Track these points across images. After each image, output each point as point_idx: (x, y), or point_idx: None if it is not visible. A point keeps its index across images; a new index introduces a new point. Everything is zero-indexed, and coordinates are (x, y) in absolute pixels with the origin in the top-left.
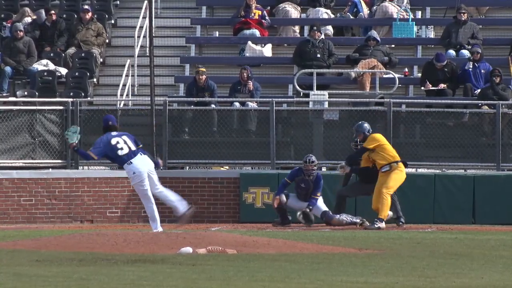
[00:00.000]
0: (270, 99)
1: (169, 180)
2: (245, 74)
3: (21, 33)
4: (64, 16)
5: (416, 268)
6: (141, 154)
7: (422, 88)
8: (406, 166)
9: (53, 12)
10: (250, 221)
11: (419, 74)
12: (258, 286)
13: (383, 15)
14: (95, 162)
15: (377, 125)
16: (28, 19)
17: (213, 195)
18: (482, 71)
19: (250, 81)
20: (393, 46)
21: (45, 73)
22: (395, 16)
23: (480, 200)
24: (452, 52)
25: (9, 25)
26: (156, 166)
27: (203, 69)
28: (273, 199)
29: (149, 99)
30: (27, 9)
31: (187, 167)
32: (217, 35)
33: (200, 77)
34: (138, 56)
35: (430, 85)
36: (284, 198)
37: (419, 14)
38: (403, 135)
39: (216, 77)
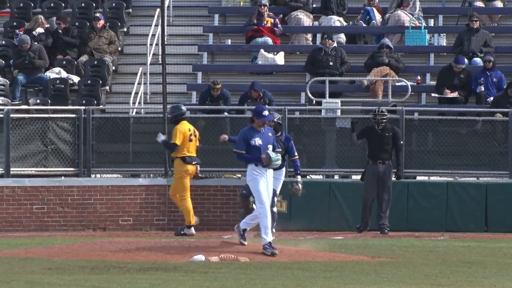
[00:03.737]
0: (283, 107)
1: None
2: (254, 95)
3: (27, 46)
4: (77, 24)
5: (429, 276)
6: None
7: (435, 95)
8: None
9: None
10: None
11: (432, 82)
12: None
13: (396, 23)
14: (107, 170)
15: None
16: (40, 29)
17: (226, 203)
18: (494, 79)
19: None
20: (405, 53)
21: (58, 81)
22: (407, 24)
23: (493, 208)
24: (464, 59)
25: (21, 33)
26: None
27: (219, 86)
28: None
29: (162, 107)
30: (41, 17)
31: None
32: (230, 43)
33: (215, 93)
34: (150, 64)
35: (449, 91)
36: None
37: (431, 22)
38: (415, 143)
39: (229, 85)
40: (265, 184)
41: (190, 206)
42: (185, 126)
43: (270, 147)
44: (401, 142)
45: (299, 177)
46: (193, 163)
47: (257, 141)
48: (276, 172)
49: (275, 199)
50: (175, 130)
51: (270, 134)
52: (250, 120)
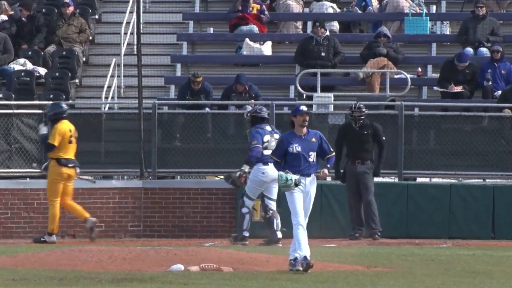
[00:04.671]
0: (270, 102)
1: (159, 191)
2: (239, 89)
3: None
4: (44, 10)
5: None
6: None
7: (437, 89)
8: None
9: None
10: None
11: (434, 75)
12: None
13: (394, 10)
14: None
15: (387, 130)
16: (4, 17)
17: (207, 207)
18: (503, 71)
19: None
20: (404, 43)
21: (23, 74)
22: (407, 10)
23: (501, 213)
24: (469, 50)
25: None
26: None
27: (200, 79)
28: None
29: (137, 102)
30: (4, 2)
31: (179, 177)
32: (212, 32)
33: (196, 87)
34: (124, 55)
35: (454, 86)
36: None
37: (433, 9)
38: (416, 142)
39: (210, 78)
40: (302, 195)
41: (57, 213)
42: (65, 126)
43: (312, 154)
44: (384, 138)
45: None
46: (69, 165)
47: (296, 147)
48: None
49: (270, 203)
50: (54, 129)
51: (314, 139)
52: (291, 124)
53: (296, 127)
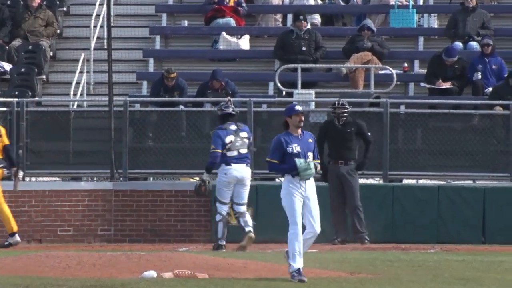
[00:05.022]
0: (248, 99)
1: (130, 193)
2: (216, 85)
3: None
4: (8, 2)
5: None
6: None
7: (425, 85)
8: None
9: None
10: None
11: (421, 70)
12: None
13: (379, 2)
14: (44, 172)
15: (372, 129)
16: None
17: (181, 210)
18: (494, 66)
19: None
20: (390, 37)
21: None
22: (392, 2)
23: (492, 216)
24: (459, 44)
25: None
26: None
27: (174, 75)
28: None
29: (107, 99)
30: None
31: (151, 178)
32: (186, 25)
33: (170, 83)
34: (94, 49)
35: (442, 83)
36: None
37: (420, 1)
38: (402, 141)
39: (185, 74)
40: (301, 200)
41: (5, 211)
42: None
43: (311, 154)
44: (369, 134)
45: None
46: None
47: (295, 147)
48: (245, 179)
49: (237, 207)
50: None
51: (310, 140)
52: (284, 125)
53: (291, 128)
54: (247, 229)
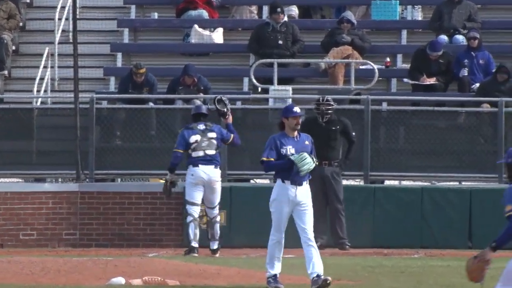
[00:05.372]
0: (222, 96)
1: (97, 195)
2: (187, 81)
3: None
4: None
5: None
6: None
7: (408, 81)
8: None
9: None
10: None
11: (404, 65)
12: None
13: None
14: (5, 173)
15: (353, 127)
16: None
17: (151, 213)
18: (481, 61)
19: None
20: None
21: None
22: None
23: (478, 219)
24: (444, 37)
25: None
26: None
27: (143, 70)
28: None
29: (73, 95)
30: None
31: (119, 179)
32: (156, 17)
33: (139, 79)
34: (59, 43)
35: (427, 78)
36: None
37: None
38: (384, 140)
39: (155, 69)
40: (290, 207)
41: None
42: None
43: None
44: (353, 134)
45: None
46: None
47: (290, 149)
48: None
49: (214, 212)
50: None
51: (307, 142)
52: (280, 125)
53: (287, 129)
54: (212, 246)
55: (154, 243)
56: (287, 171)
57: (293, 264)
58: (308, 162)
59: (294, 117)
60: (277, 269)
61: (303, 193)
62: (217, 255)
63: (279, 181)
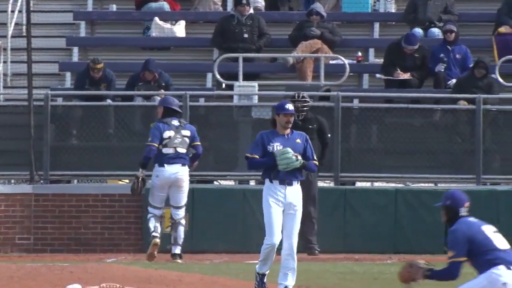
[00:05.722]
0: (183, 93)
1: (52, 197)
2: (148, 77)
3: None
4: None
5: None
6: None
7: (381, 76)
8: None
9: None
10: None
11: (376, 60)
12: None
13: None
14: None
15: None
16: None
17: (109, 216)
18: (458, 55)
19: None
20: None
21: None
22: None
23: None
24: (419, 30)
25: None
26: None
27: (101, 65)
28: None
29: (26, 92)
30: None
31: (75, 181)
32: (115, 9)
33: (96, 75)
34: (11, 37)
35: (401, 74)
36: None
37: None
38: (355, 139)
39: (113, 64)
40: (281, 208)
41: None
42: None
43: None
44: (329, 135)
45: None
46: None
47: (277, 146)
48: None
49: (179, 213)
50: None
51: (299, 140)
52: (272, 123)
53: (278, 127)
54: (173, 251)
55: (112, 248)
56: (272, 169)
57: None
58: (289, 158)
59: (285, 114)
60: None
61: (294, 194)
62: (180, 260)
63: (266, 181)
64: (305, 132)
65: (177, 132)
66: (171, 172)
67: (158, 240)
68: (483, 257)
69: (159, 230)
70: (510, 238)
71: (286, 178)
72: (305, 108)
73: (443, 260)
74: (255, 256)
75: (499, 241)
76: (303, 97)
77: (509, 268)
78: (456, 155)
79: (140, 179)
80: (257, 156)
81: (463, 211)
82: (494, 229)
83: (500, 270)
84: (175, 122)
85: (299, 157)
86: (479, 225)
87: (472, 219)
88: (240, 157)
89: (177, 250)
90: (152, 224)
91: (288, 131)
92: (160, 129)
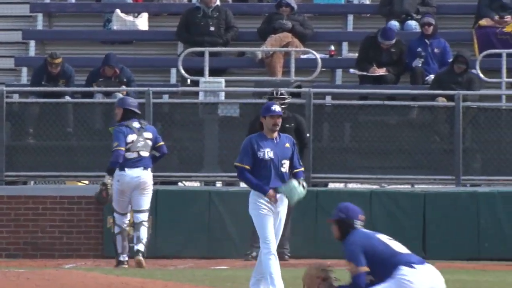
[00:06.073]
0: (146, 89)
1: (7, 199)
2: (108, 72)
3: None
4: None
5: None
6: None
7: (355, 72)
8: None
9: None
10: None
11: (350, 54)
12: None
13: None
14: None
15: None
16: None
17: (68, 220)
18: (436, 49)
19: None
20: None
21: None
22: None
23: (433, 227)
24: (395, 23)
25: None
26: None
27: (59, 60)
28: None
29: None
30: None
31: (32, 182)
32: (74, 1)
33: (54, 70)
34: None
35: (376, 69)
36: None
37: None
38: (327, 138)
39: (72, 59)
40: (271, 216)
41: None
42: None
43: (286, 162)
44: (307, 135)
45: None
46: None
47: (268, 152)
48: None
49: (137, 216)
50: None
51: (287, 144)
52: (259, 125)
53: (265, 130)
54: (136, 248)
55: (71, 253)
56: (265, 177)
57: (226, 276)
58: (296, 190)
59: (271, 116)
60: (280, 284)
61: (283, 200)
62: (142, 258)
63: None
64: (283, 131)
65: (139, 135)
66: (132, 176)
67: (126, 266)
68: (385, 263)
69: (127, 250)
70: (491, 243)
71: (276, 186)
72: (284, 106)
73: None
74: (222, 261)
75: (397, 246)
76: (281, 94)
77: (412, 267)
78: (434, 155)
79: (108, 186)
80: (248, 167)
81: (358, 224)
82: (388, 237)
83: (404, 271)
84: (136, 124)
85: (303, 182)
86: (374, 234)
87: (365, 230)
88: (206, 156)
89: (140, 246)
90: (120, 244)
91: (276, 134)
92: (124, 132)
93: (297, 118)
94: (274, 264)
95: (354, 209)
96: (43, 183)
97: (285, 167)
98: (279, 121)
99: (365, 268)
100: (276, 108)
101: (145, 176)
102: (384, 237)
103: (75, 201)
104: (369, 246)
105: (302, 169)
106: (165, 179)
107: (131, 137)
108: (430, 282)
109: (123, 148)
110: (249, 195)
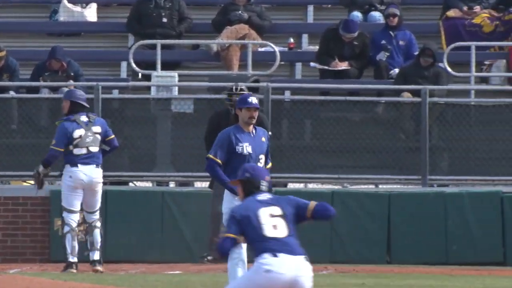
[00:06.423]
0: (95, 83)
1: None
2: (55, 66)
3: None
4: None
5: None
6: None
7: (316, 65)
8: None
9: None
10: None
11: (311, 47)
12: None
13: None
14: None
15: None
16: None
17: (12, 222)
18: (401, 42)
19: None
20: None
21: None
22: None
23: (398, 229)
24: (358, 14)
25: None
26: None
27: (3, 53)
28: None
29: None
30: None
31: None
32: None
33: None
34: None
35: (338, 63)
36: None
37: None
38: (287, 135)
39: (17, 52)
40: None
41: None
42: None
43: (263, 157)
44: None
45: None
46: None
47: (246, 147)
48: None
49: (93, 217)
50: None
51: (263, 139)
52: (235, 117)
53: (241, 122)
54: (92, 257)
55: (16, 258)
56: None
57: (180, 281)
58: None
59: (248, 108)
60: None
61: None
62: (100, 268)
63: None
64: None
65: (87, 130)
66: (85, 173)
67: (75, 271)
68: (253, 244)
69: (76, 251)
70: (459, 245)
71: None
72: None
73: (385, 271)
74: (174, 266)
75: (271, 229)
76: (241, 89)
77: (275, 255)
78: (400, 153)
79: (41, 176)
80: (221, 162)
81: (264, 184)
82: (276, 212)
83: (266, 259)
84: (84, 118)
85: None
86: (258, 207)
87: (261, 197)
88: (159, 155)
89: (96, 255)
90: (69, 243)
91: (252, 127)
92: (67, 130)
93: (260, 115)
94: (241, 271)
95: (260, 169)
96: None
97: (262, 162)
98: (256, 114)
99: (233, 235)
100: (253, 100)
101: (97, 175)
102: (265, 214)
103: (20, 202)
104: (245, 220)
105: (270, 164)
106: (115, 179)
107: (78, 132)
108: (293, 274)
109: (60, 149)
110: (224, 193)
